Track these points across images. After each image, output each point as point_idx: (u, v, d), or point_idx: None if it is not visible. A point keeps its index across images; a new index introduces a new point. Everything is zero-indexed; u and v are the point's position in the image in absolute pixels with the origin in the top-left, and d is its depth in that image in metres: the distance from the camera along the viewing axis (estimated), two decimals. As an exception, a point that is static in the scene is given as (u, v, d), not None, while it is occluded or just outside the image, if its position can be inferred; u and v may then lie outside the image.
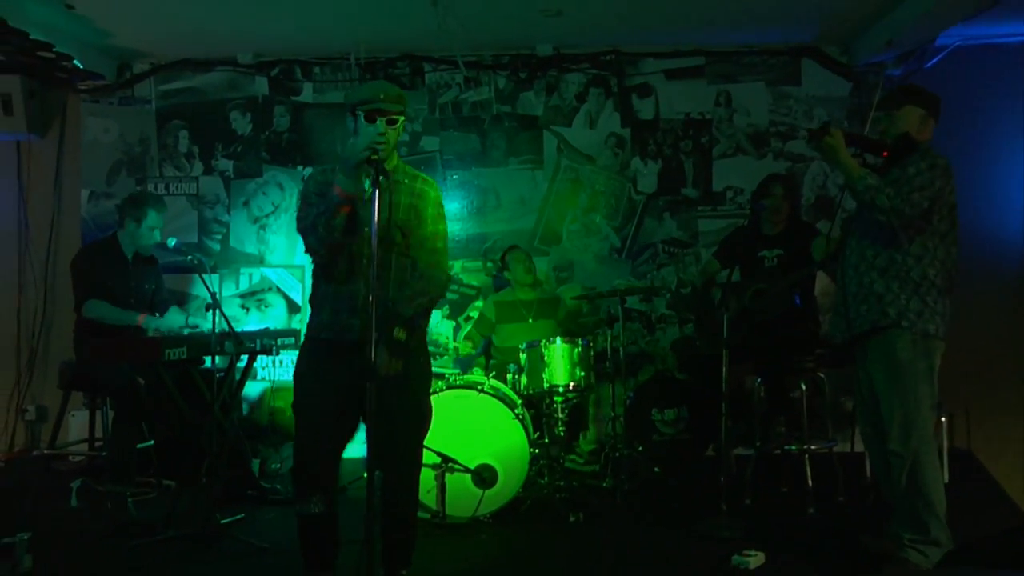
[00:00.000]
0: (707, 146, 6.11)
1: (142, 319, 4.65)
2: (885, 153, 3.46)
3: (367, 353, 2.72)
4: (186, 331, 4.50)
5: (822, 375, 4.64)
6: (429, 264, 3.13)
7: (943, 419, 4.88)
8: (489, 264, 6.09)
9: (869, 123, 3.78)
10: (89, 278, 4.77)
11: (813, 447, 4.53)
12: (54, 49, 5.36)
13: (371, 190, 2.78)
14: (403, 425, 3.11)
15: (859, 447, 4.40)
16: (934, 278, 3.37)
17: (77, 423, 5.50)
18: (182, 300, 5.89)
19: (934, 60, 5.47)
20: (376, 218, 2.75)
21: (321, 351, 3.11)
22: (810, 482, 4.40)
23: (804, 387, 4.50)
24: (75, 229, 6.15)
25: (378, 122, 2.98)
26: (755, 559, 3.54)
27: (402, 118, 3.06)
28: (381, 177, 2.81)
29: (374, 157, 2.83)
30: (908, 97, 3.53)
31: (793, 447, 4.60)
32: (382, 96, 2.99)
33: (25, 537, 3.56)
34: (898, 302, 3.36)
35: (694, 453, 5.41)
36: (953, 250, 3.43)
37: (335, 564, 3.14)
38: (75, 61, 5.59)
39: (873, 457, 3.70)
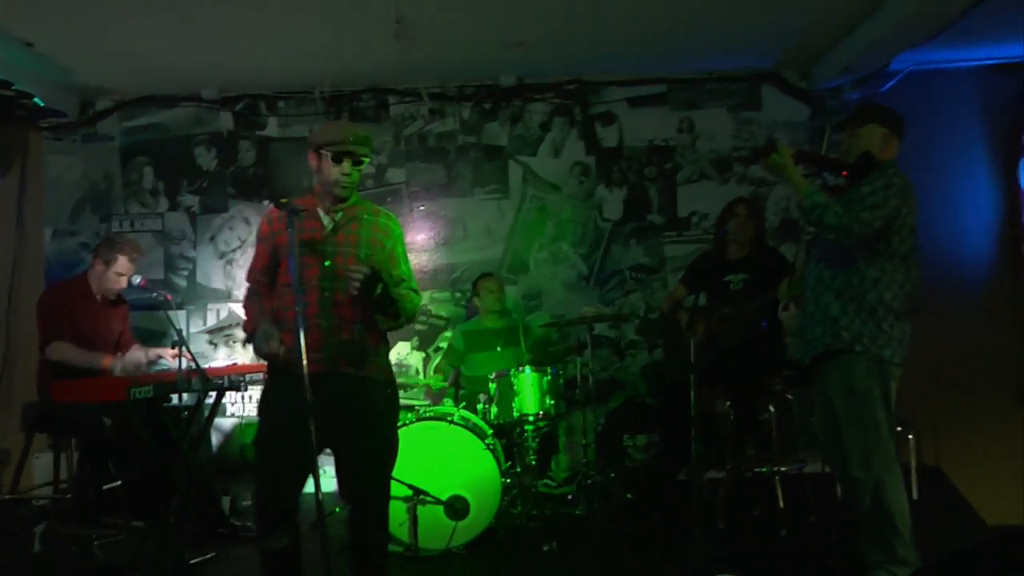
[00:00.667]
0: (671, 172, 6.18)
1: (108, 361, 4.57)
2: (844, 172, 3.43)
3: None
4: (151, 368, 4.45)
5: (790, 396, 4.68)
6: (407, 297, 3.19)
7: (911, 436, 4.94)
8: (458, 294, 6.10)
9: (825, 145, 3.80)
10: (55, 318, 4.69)
11: (784, 469, 4.57)
12: (13, 87, 5.32)
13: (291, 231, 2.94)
14: (369, 458, 3.09)
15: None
16: (890, 302, 3.32)
17: (41, 465, 5.39)
18: (148, 339, 5.83)
19: (889, 84, 5.60)
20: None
21: (283, 387, 3.10)
22: (782, 503, 4.43)
23: (773, 409, 4.54)
24: (38, 268, 6.07)
25: (344, 163, 3.04)
26: (729, 582, 3.55)
27: (367, 159, 3.12)
28: (339, 213, 2.98)
29: (338, 192, 3.02)
30: (870, 116, 3.50)
31: (764, 469, 4.63)
32: (351, 139, 3.05)
33: (-13, 584, 3.50)
34: (852, 326, 3.33)
35: (666, 478, 5.40)
36: (914, 272, 3.38)
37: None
38: (36, 99, 5.55)
39: (838, 477, 3.71)
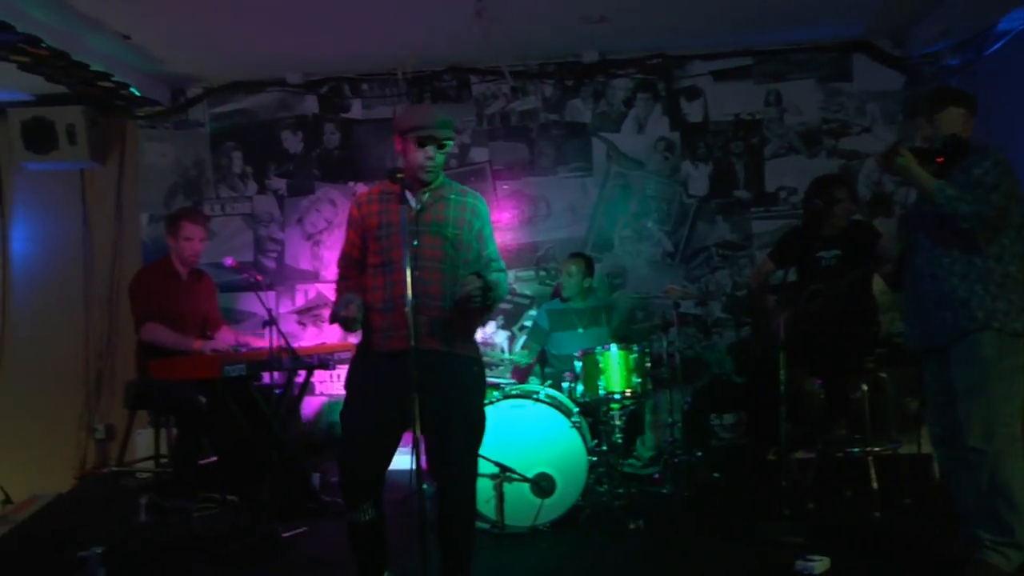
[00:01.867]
0: (758, 146, 6.04)
1: (198, 344, 4.72)
2: (939, 159, 3.38)
3: (411, 363, 2.79)
4: (240, 349, 4.58)
5: (884, 375, 4.53)
6: (498, 283, 3.19)
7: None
8: (542, 272, 6.09)
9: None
10: (145, 300, 4.87)
11: (877, 449, 4.43)
12: (113, 79, 5.53)
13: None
14: (457, 435, 3.12)
15: (926, 448, 4.27)
16: (1016, 275, 3.29)
17: (143, 440, 5.63)
18: (238, 320, 6.01)
19: (995, 47, 5.28)
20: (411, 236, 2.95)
21: (369, 360, 3.16)
22: (875, 485, 4.30)
23: (865, 388, 4.41)
24: (136, 252, 6.32)
25: (428, 147, 3.10)
26: (820, 564, 3.47)
27: (450, 142, 3.16)
28: (426, 195, 3.09)
29: (423, 176, 3.09)
30: (947, 99, 3.48)
31: (856, 449, 4.50)
32: (434, 123, 3.10)
33: (99, 551, 3.70)
34: (984, 304, 3.27)
35: (754, 457, 5.33)
36: None
37: (384, 571, 3.19)
38: (132, 89, 5.75)
39: (943, 460, 3.59)
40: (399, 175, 3.05)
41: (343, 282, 3.30)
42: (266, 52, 5.72)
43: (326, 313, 6.14)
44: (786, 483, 4.04)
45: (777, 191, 6.01)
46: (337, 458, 3.23)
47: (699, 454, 5.01)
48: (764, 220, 6.01)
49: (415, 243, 3.03)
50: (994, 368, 3.26)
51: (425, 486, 2.93)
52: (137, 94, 5.85)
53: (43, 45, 4.76)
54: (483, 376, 3.29)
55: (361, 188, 6.21)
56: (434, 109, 3.23)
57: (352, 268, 3.28)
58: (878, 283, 4.73)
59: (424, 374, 2.86)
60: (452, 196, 3.21)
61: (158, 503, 4.78)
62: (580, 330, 5.33)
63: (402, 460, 3.07)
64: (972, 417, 3.28)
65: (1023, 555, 3.24)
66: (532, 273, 6.15)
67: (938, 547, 3.59)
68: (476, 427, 3.20)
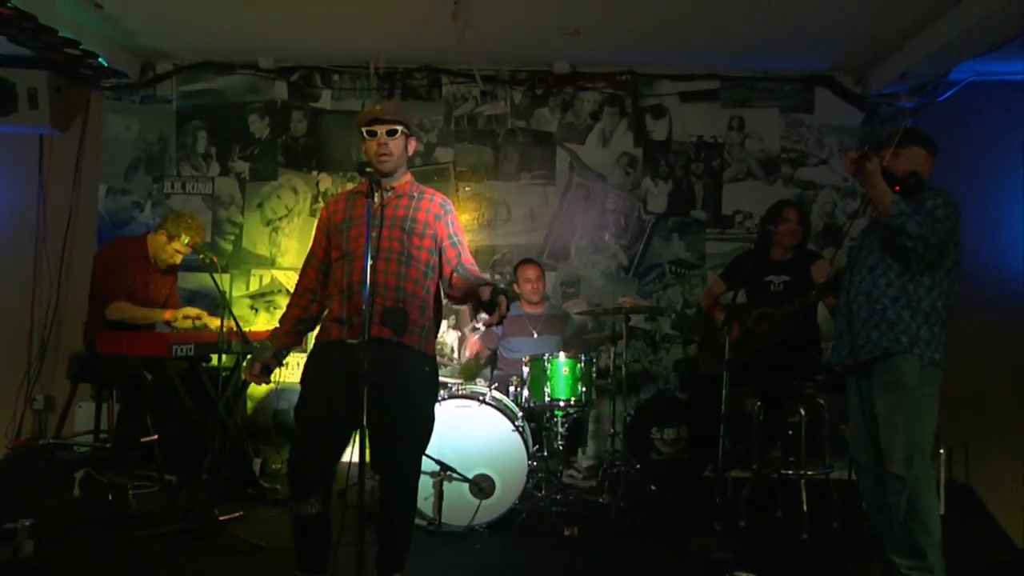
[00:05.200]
0: (718, 169, 6.16)
1: (169, 315, 4.71)
2: (896, 188, 3.52)
3: (364, 357, 2.81)
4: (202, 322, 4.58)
5: (822, 401, 4.67)
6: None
7: (941, 451, 4.89)
8: (498, 276, 6.14)
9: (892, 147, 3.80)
10: (116, 277, 4.84)
11: (810, 472, 4.55)
12: (80, 47, 5.45)
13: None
14: (402, 431, 3.15)
15: (856, 475, 4.41)
16: (941, 310, 3.46)
17: (84, 414, 5.57)
18: (191, 300, 5.96)
19: (947, 94, 5.50)
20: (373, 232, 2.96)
21: (325, 351, 3.19)
22: (805, 507, 4.42)
23: (803, 412, 4.53)
24: (91, 223, 6.24)
25: (378, 134, 3.15)
26: (746, 581, 3.57)
27: (401, 127, 3.18)
28: (389, 192, 3.16)
29: (379, 165, 3.15)
30: (914, 139, 3.65)
31: (790, 472, 4.63)
32: (379, 108, 3.20)
33: (27, 523, 3.64)
34: (910, 330, 3.43)
35: (692, 473, 5.43)
36: (956, 286, 3.52)
37: (327, 565, 3.18)
38: (100, 59, 5.68)
39: (863, 486, 3.71)
40: (368, 169, 3.10)
41: (290, 305, 3.40)
42: (239, 34, 5.69)
43: (280, 299, 6.12)
44: (720, 500, 4.13)
45: (734, 214, 6.14)
46: (289, 450, 3.24)
47: (638, 466, 5.09)
48: (719, 241, 6.13)
49: (374, 235, 3.05)
50: (915, 395, 3.42)
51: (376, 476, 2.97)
52: (105, 65, 5.77)
53: (10, 5, 4.64)
54: (435, 375, 3.33)
55: (324, 178, 6.23)
56: (386, 103, 3.30)
57: (310, 268, 3.36)
58: (823, 312, 4.87)
59: (376, 364, 2.88)
60: (416, 194, 3.28)
61: (94, 478, 4.74)
62: (535, 335, 5.39)
63: (346, 452, 3.11)
64: (894, 444, 3.42)
65: None
66: (488, 276, 6.18)
67: (859, 571, 3.70)
68: (422, 425, 3.23)
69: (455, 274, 3.25)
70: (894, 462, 3.41)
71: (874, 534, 3.67)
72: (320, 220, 3.37)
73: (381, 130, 3.15)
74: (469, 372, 5.49)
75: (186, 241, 4.89)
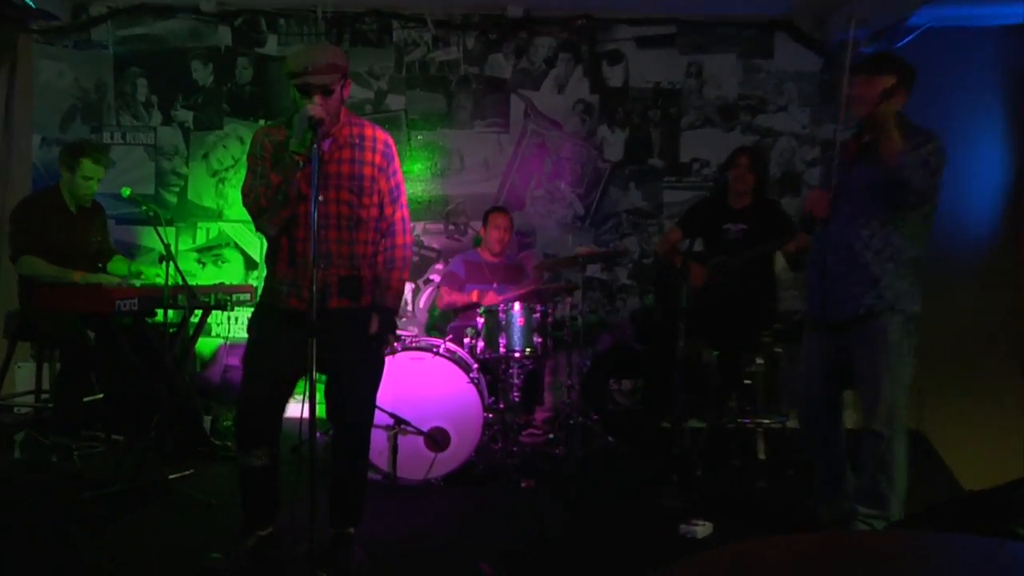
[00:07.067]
0: (675, 116, 6.08)
1: (79, 276, 4.46)
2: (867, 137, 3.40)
3: (309, 316, 2.70)
4: (135, 283, 4.38)
5: (779, 350, 4.66)
6: (400, 228, 3.14)
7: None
8: (451, 226, 6.03)
9: (844, 93, 3.66)
10: (26, 232, 4.58)
11: (766, 422, 4.57)
12: (5, -15, 5.17)
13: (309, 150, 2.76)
14: (354, 382, 3.10)
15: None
16: (922, 259, 3.38)
17: (23, 374, 5.38)
18: (130, 252, 5.76)
19: (905, 40, 5.45)
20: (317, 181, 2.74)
21: (273, 308, 3.08)
22: (761, 456, 4.44)
23: (760, 361, 4.52)
24: (26, 175, 5.96)
25: (313, 96, 2.86)
26: (703, 528, 3.58)
27: (333, 87, 2.90)
28: (328, 140, 2.91)
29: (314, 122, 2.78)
30: (887, 65, 3.45)
31: (746, 421, 4.63)
32: (310, 69, 2.84)
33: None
34: (893, 285, 3.34)
35: (648, 424, 5.43)
36: (931, 231, 3.44)
37: (275, 519, 3.14)
38: None
39: (810, 433, 3.69)
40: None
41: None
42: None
43: (227, 253, 5.94)
44: (677, 450, 4.12)
45: (691, 162, 6.08)
46: (236, 401, 3.14)
47: (595, 417, 5.07)
48: (676, 190, 6.07)
49: (321, 199, 2.85)
50: (897, 352, 3.35)
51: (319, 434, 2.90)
52: (32, 5, 5.47)
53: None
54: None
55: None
56: (314, 51, 2.95)
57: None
58: (779, 261, 4.85)
59: (328, 329, 2.79)
60: (358, 141, 3.06)
61: (36, 440, 4.58)
62: (495, 285, 5.30)
63: (296, 408, 3.02)
64: (878, 401, 3.36)
65: (886, 525, 3.38)
66: (441, 227, 6.08)
67: (814, 516, 3.72)
68: (374, 374, 3.19)
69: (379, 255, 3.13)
70: (878, 419, 3.35)
71: (825, 481, 3.66)
72: (261, 149, 3.06)
73: (317, 92, 2.85)
74: (447, 320, 5.39)
75: (88, 164, 4.63)
